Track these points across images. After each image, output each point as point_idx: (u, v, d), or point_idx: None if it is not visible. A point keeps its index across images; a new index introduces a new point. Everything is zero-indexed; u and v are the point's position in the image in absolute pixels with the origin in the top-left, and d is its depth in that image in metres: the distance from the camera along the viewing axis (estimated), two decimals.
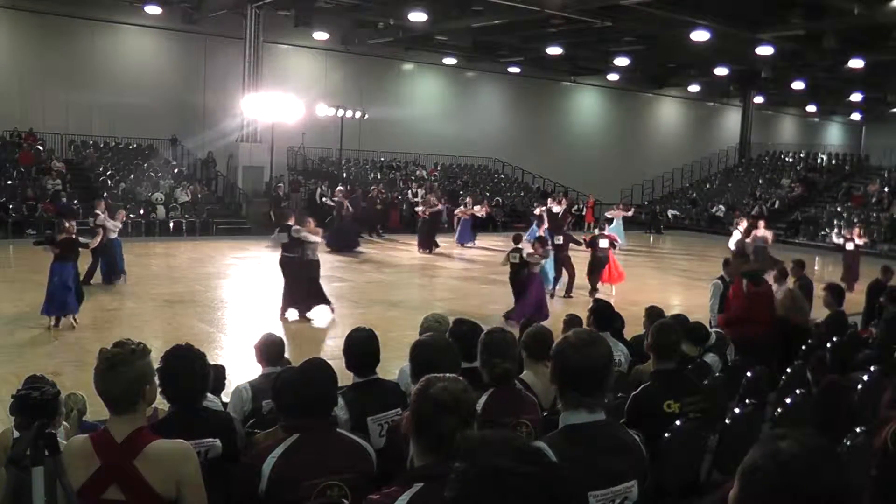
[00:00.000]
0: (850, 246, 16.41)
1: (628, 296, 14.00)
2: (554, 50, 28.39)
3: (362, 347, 3.67)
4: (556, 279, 14.22)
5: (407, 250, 20.76)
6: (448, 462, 1.60)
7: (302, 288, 11.31)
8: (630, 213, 24.55)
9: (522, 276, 11.76)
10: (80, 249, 10.74)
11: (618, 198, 34.53)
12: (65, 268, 10.24)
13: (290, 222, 11.51)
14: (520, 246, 12.43)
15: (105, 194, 20.09)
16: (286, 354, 5.19)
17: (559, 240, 14.39)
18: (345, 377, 3.88)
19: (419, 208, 22.09)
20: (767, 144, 39.61)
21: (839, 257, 18.81)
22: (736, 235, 16.61)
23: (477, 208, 23.21)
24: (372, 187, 25.69)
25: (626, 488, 2.31)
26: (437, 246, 20.74)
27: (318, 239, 11.57)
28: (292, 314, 11.38)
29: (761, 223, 17.14)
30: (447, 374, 2.20)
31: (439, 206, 22.57)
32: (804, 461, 1.37)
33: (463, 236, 22.36)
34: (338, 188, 22.68)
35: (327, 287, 14.49)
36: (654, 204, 34.60)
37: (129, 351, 2.43)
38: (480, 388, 3.39)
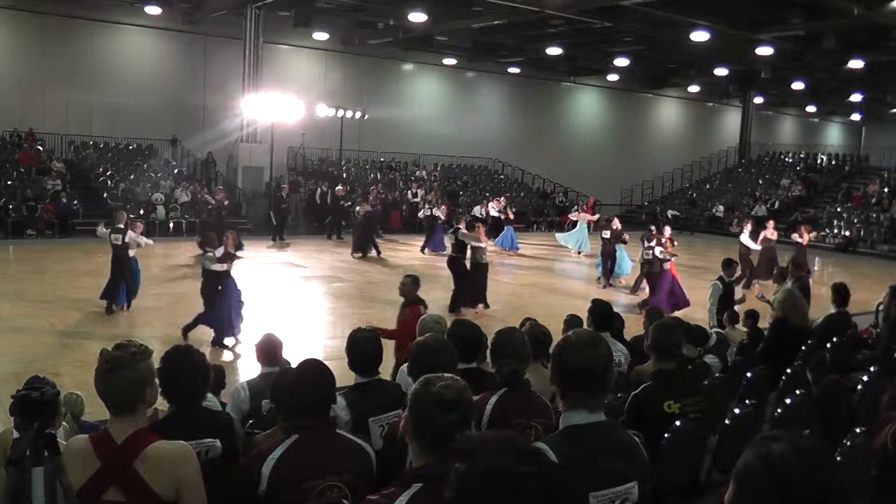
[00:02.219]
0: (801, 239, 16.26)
1: (628, 295, 14.02)
2: (554, 50, 28.40)
3: (365, 348, 3.66)
4: (610, 270, 15.88)
5: (407, 251, 20.74)
6: (447, 462, 1.60)
7: (466, 286, 12.35)
8: (595, 218, 22.38)
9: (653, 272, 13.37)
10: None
11: (618, 198, 34.57)
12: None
13: (461, 225, 12.77)
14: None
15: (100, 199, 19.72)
16: (287, 355, 5.20)
17: (606, 234, 15.92)
18: (343, 378, 3.89)
19: (358, 208, 20.31)
20: (767, 145, 39.61)
21: (840, 257, 18.83)
22: (746, 238, 16.35)
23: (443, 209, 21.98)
24: (372, 188, 25.69)
25: (626, 489, 2.31)
26: (378, 251, 19.23)
27: (482, 244, 12.62)
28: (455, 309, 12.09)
29: (770, 224, 17.07)
30: (445, 374, 2.20)
31: (367, 208, 20.07)
32: (796, 463, 1.38)
33: (435, 244, 20.43)
34: (217, 186, 21.53)
35: (326, 287, 14.53)
36: (654, 204, 34.61)
37: (131, 353, 2.43)
38: (491, 389, 3.40)
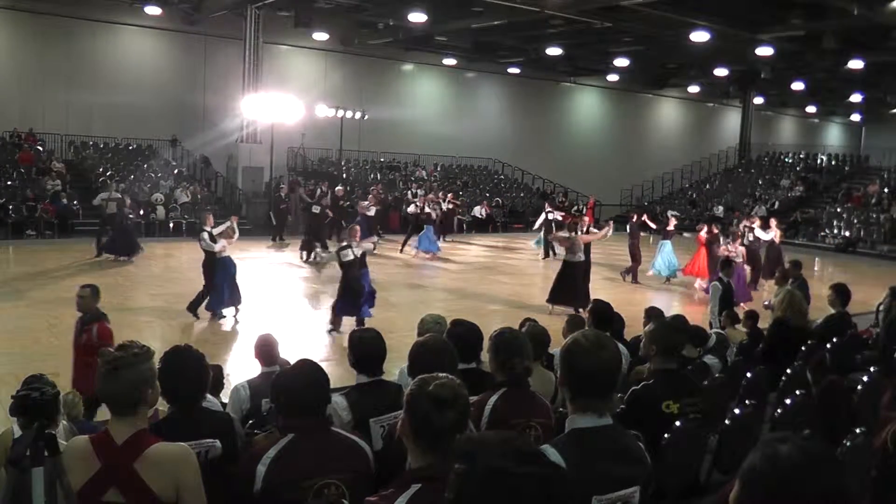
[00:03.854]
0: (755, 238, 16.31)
1: (627, 296, 14.01)
2: (553, 50, 28.40)
3: (368, 347, 3.65)
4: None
5: (406, 251, 20.70)
6: (446, 462, 1.60)
7: (568, 285, 12.39)
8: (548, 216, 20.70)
9: None
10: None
11: (618, 198, 34.54)
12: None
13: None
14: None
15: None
16: (288, 355, 5.19)
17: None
18: (344, 379, 3.88)
19: (316, 207, 19.05)
20: (767, 145, 39.58)
21: (840, 258, 18.65)
22: (761, 235, 16.23)
23: (366, 204, 20.05)
24: (372, 188, 25.67)
25: (629, 494, 2.30)
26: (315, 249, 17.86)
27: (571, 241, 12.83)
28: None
29: (773, 222, 17.04)
30: (440, 374, 2.19)
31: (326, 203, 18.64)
32: (802, 465, 1.38)
33: (424, 242, 19.59)
34: (121, 185, 20.18)
35: (326, 287, 14.52)
36: (654, 204, 34.60)
37: (132, 354, 2.43)
38: (490, 389, 3.40)
